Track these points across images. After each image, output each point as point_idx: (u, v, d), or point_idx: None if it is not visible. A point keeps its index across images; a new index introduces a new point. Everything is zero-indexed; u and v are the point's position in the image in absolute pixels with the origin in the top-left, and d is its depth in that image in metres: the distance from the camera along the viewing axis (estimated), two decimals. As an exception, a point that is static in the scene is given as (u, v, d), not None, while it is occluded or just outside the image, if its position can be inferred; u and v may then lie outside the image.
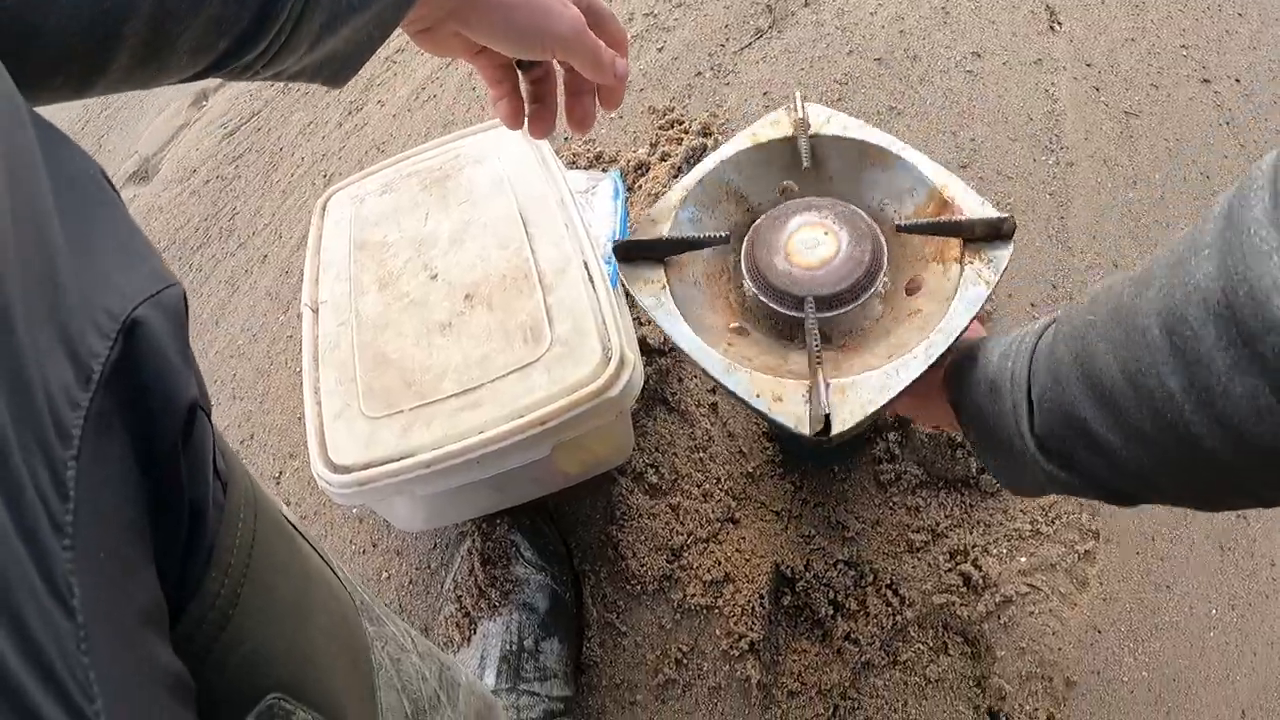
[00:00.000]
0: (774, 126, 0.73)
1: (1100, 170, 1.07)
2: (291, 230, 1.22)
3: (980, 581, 0.86)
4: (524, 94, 0.61)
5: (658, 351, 0.91)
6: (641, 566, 0.86)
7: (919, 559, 0.86)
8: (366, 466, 0.71)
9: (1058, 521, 0.89)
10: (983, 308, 0.60)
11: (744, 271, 0.69)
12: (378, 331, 0.79)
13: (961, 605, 0.85)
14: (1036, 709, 0.85)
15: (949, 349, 0.58)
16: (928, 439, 0.89)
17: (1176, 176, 1.10)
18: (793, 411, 0.58)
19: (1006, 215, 0.62)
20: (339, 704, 0.38)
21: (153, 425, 0.29)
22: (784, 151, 0.73)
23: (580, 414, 0.70)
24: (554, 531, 0.88)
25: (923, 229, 0.65)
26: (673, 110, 1.13)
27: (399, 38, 1.36)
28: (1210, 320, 0.35)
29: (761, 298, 0.67)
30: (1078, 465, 0.48)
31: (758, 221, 0.71)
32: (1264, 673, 0.91)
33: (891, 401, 0.58)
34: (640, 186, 1.05)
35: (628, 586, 0.87)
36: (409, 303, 0.81)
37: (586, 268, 0.77)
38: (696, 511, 0.87)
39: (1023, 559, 0.88)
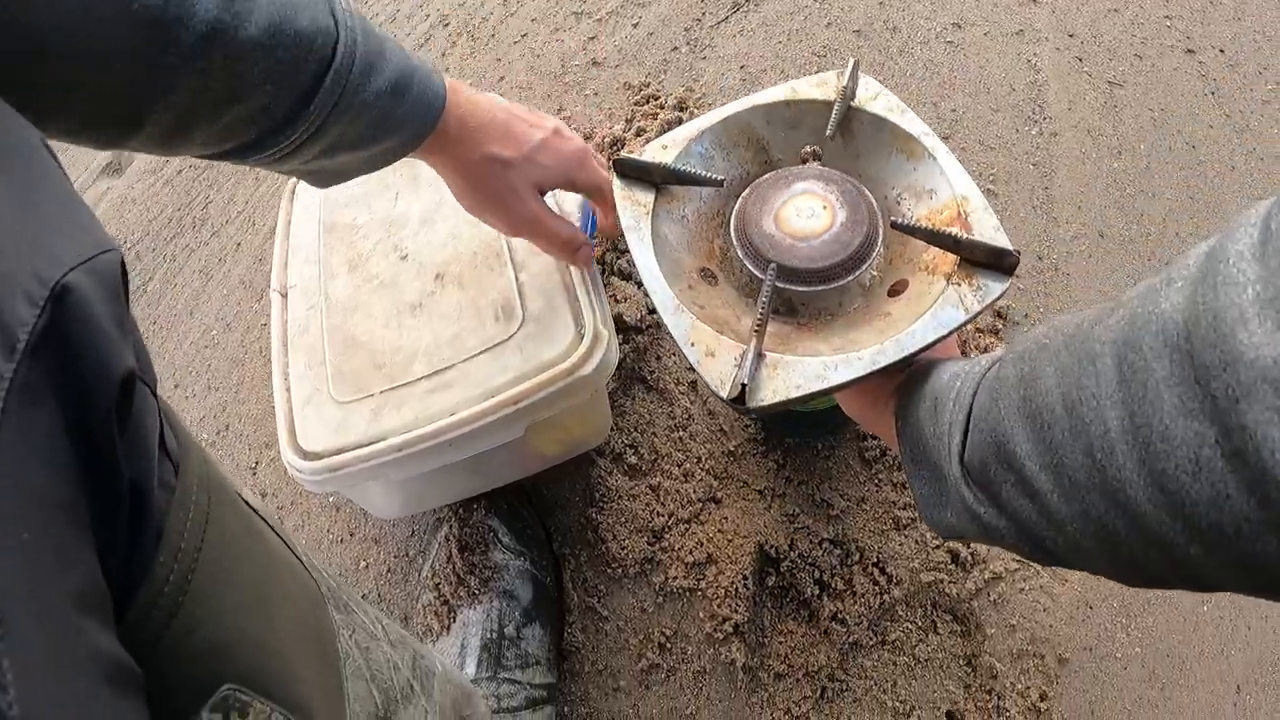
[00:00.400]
0: (819, 87, 0.70)
1: (1084, 140, 1.05)
2: (264, 217, 1.19)
3: (969, 558, 0.84)
4: None
5: (635, 329, 0.89)
6: (622, 549, 0.84)
7: (906, 536, 0.84)
8: (338, 452, 0.70)
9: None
10: (955, 332, 0.57)
11: (730, 219, 0.67)
12: (347, 314, 0.78)
13: (950, 583, 0.83)
14: (1029, 687, 0.83)
15: (900, 362, 0.55)
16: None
17: (1162, 146, 1.08)
18: (719, 371, 0.56)
19: (1013, 250, 0.57)
20: (300, 694, 0.36)
21: (85, 397, 0.28)
22: (820, 115, 0.70)
23: (553, 392, 0.68)
24: (533, 516, 0.86)
25: (918, 233, 0.61)
26: (648, 86, 1.11)
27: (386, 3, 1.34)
28: (1166, 353, 0.32)
29: (738, 250, 0.65)
30: (1004, 504, 0.43)
31: (763, 176, 0.69)
32: (1258, 647, 0.89)
33: (822, 394, 0.56)
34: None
35: (609, 570, 0.85)
36: (379, 284, 0.79)
37: None
38: (677, 492, 0.85)
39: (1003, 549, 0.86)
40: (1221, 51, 1.16)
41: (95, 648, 0.26)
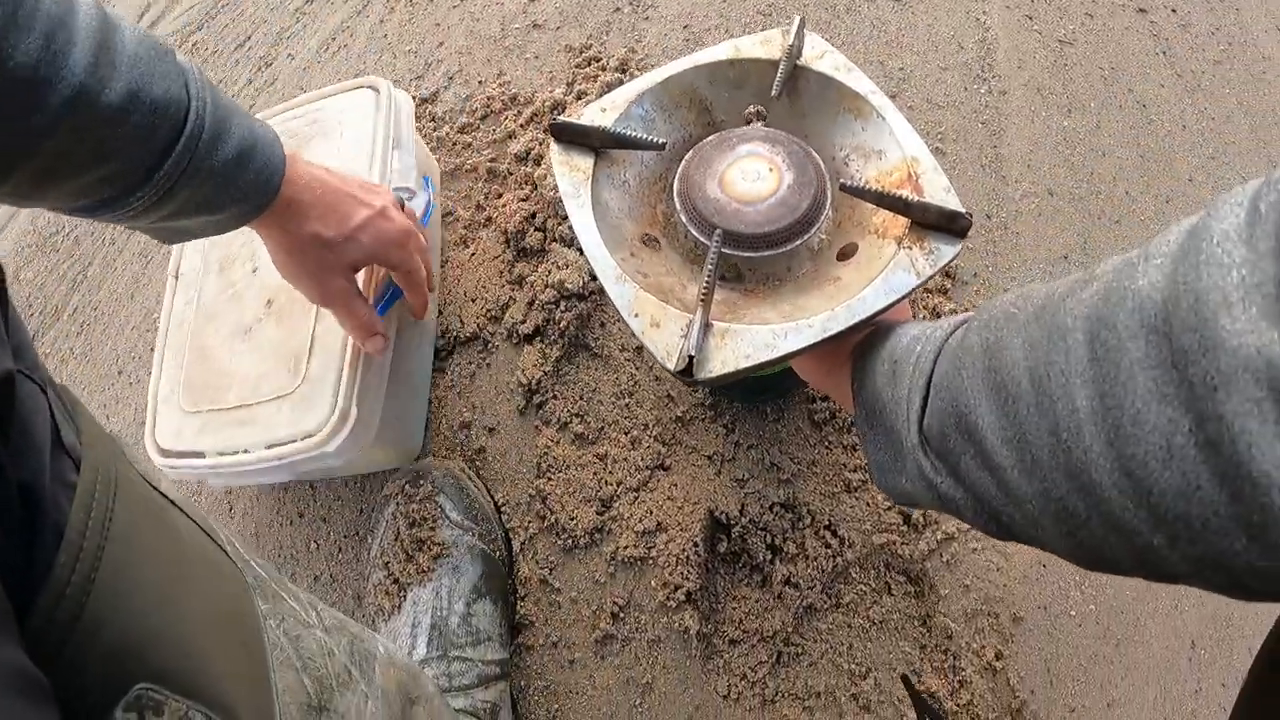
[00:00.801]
0: (763, 45, 0.68)
1: (1034, 99, 1.05)
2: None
3: (920, 520, 0.83)
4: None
5: (578, 295, 0.87)
6: (571, 520, 0.83)
7: (857, 499, 0.83)
8: (177, 455, 0.75)
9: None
10: (908, 297, 0.56)
11: (674, 183, 0.65)
12: (207, 321, 0.80)
13: (902, 544, 0.83)
14: (984, 646, 0.83)
15: (851, 328, 0.54)
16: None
17: (1113, 105, 1.07)
18: (665, 342, 0.54)
19: (965, 213, 0.56)
20: (220, 689, 0.35)
21: None
22: (765, 74, 0.68)
23: (308, 458, 0.71)
24: (480, 489, 0.85)
25: (867, 196, 0.59)
26: (590, 48, 1.09)
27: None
28: (1142, 333, 0.30)
29: (681, 215, 0.64)
30: (962, 475, 0.42)
31: (707, 138, 0.67)
32: (1211, 603, 0.90)
33: (773, 363, 0.54)
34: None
35: (559, 541, 0.84)
36: (232, 295, 0.80)
37: None
38: (625, 460, 0.83)
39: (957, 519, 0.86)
40: (1173, 11, 1.16)
41: (3, 660, 0.26)
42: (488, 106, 0.97)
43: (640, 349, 0.87)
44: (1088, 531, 0.35)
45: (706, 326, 0.54)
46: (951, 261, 0.57)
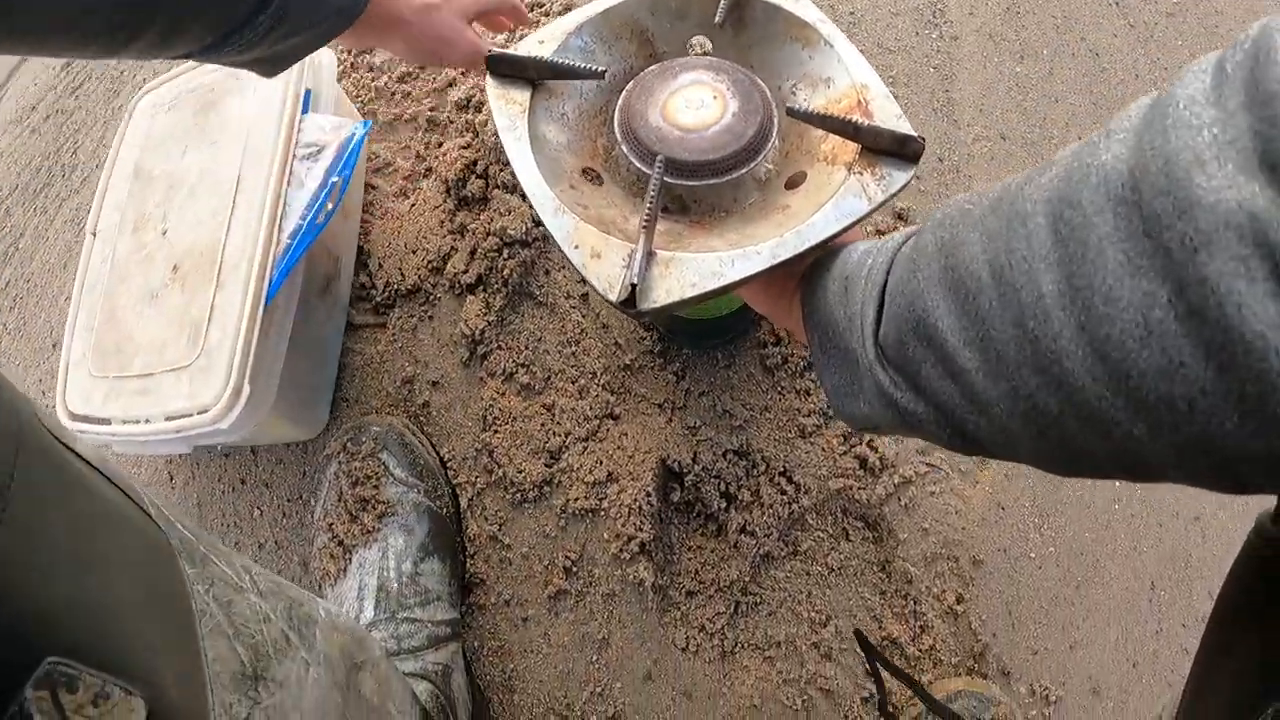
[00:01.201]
0: None
1: (986, 44, 1.03)
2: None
3: (877, 463, 0.82)
4: None
5: (521, 242, 0.84)
6: (519, 473, 0.80)
7: (812, 444, 0.82)
8: (85, 420, 0.74)
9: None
10: (859, 223, 0.54)
11: (614, 114, 0.63)
12: (118, 282, 0.77)
13: (859, 489, 0.81)
14: (945, 590, 0.82)
15: (801, 254, 0.52)
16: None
17: (1065, 52, 1.06)
18: (606, 273, 0.52)
19: (916, 136, 0.54)
20: (141, 661, 0.33)
21: None
22: (707, 3, 0.66)
23: (205, 433, 0.70)
24: (425, 445, 0.82)
25: (815, 120, 0.57)
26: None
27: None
28: (1109, 206, 0.28)
29: (622, 146, 0.61)
30: (923, 386, 0.39)
31: (649, 68, 0.65)
32: (1170, 543, 0.89)
33: (720, 292, 0.52)
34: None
35: (507, 496, 0.81)
36: (144, 256, 0.78)
37: (252, 273, 0.73)
38: (573, 410, 0.81)
39: (920, 439, 0.84)
40: (1124, -40, 1.15)
41: None
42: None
43: (586, 296, 0.85)
44: (1060, 430, 0.32)
45: (650, 255, 0.52)
46: (904, 188, 0.55)
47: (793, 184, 0.61)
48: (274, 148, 0.77)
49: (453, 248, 0.86)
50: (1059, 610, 0.85)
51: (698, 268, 0.52)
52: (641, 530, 0.78)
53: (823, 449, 0.82)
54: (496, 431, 0.82)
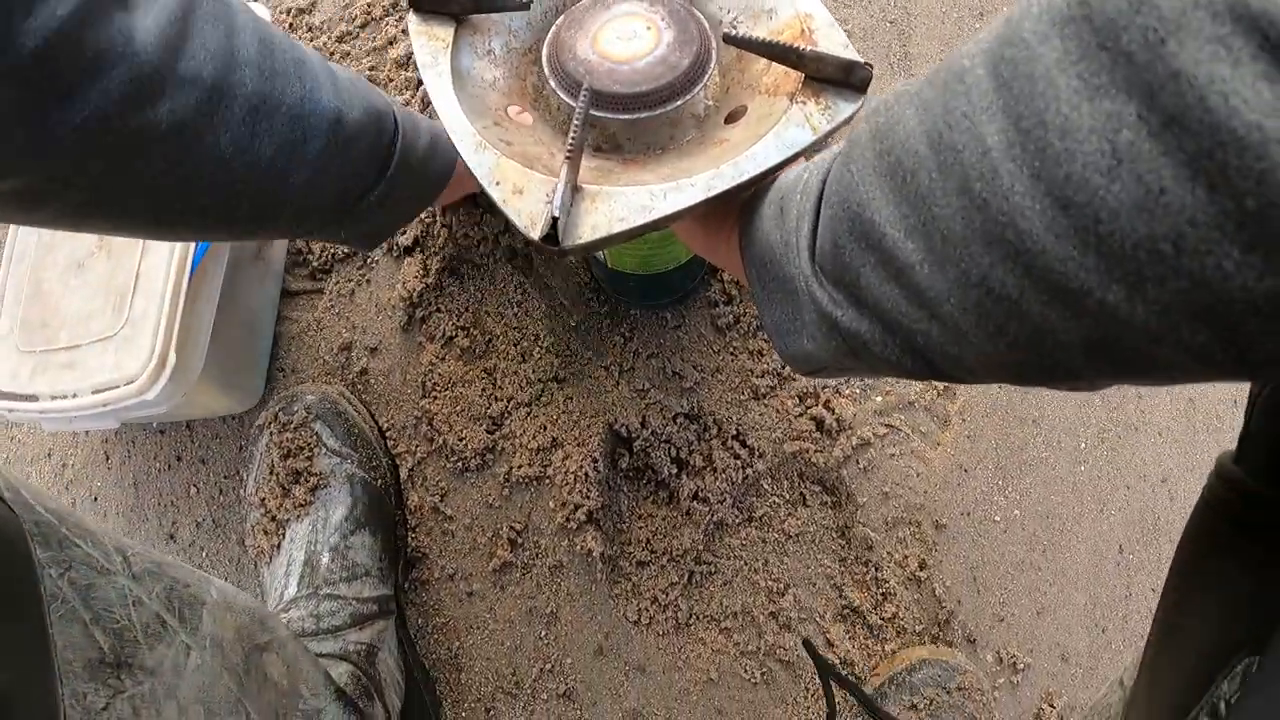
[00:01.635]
0: None
1: (944, 1, 1.00)
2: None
3: (834, 425, 0.79)
4: None
5: (452, 206, 0.81)
6: (460, 441, 0.77)
7: (766, 406, 0.79)
8: (12, 398, 0.72)
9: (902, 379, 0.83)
10: (803, 154, 0.50)
11: (543, 49, 0.60)
12: (46, 252, 0.75)
13: (816, 452, 0.78)
14: (907, 556, 0.80)
15: (738, 186, 0.47)
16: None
17: (1029, 6, 1.04)
18: (528, 209, 0.48)
19: (863, 62, 0.50)
20: None
21: None
22: None
23: (130, 405, 0.68)
24: (363, 413, 0.78)
25: (754, 46, 0.53)
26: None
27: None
28: (1055, 32, 0.24)
29: (551, 81, 0.58)
30: (865, 296, 0.34)
31: (580, 2, 0.61)
32: (1138, 505, 0.87)
33: (650, 227, 0.49)
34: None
35: (449, 465, 0.78)
36: None
37: None
38: (515, 374, 0.78)
39: (878, 398, 0.82)
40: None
41: None
42: (368, 14, 0.91)
43: (529, 258, 0.81)
44: (1021, 320, 0.28)
45: (576, 190, 0.48)
46: (851, 118, 0.51)
47: (733, 118, 0.58)
48: None
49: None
50: (1025, 575, 0.83)
51: (626, 202, 0.48)
52: (589, 498, 0.75)
53: (777, 411, 0.79)
54: (436, 398, 0.78)
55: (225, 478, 0.84)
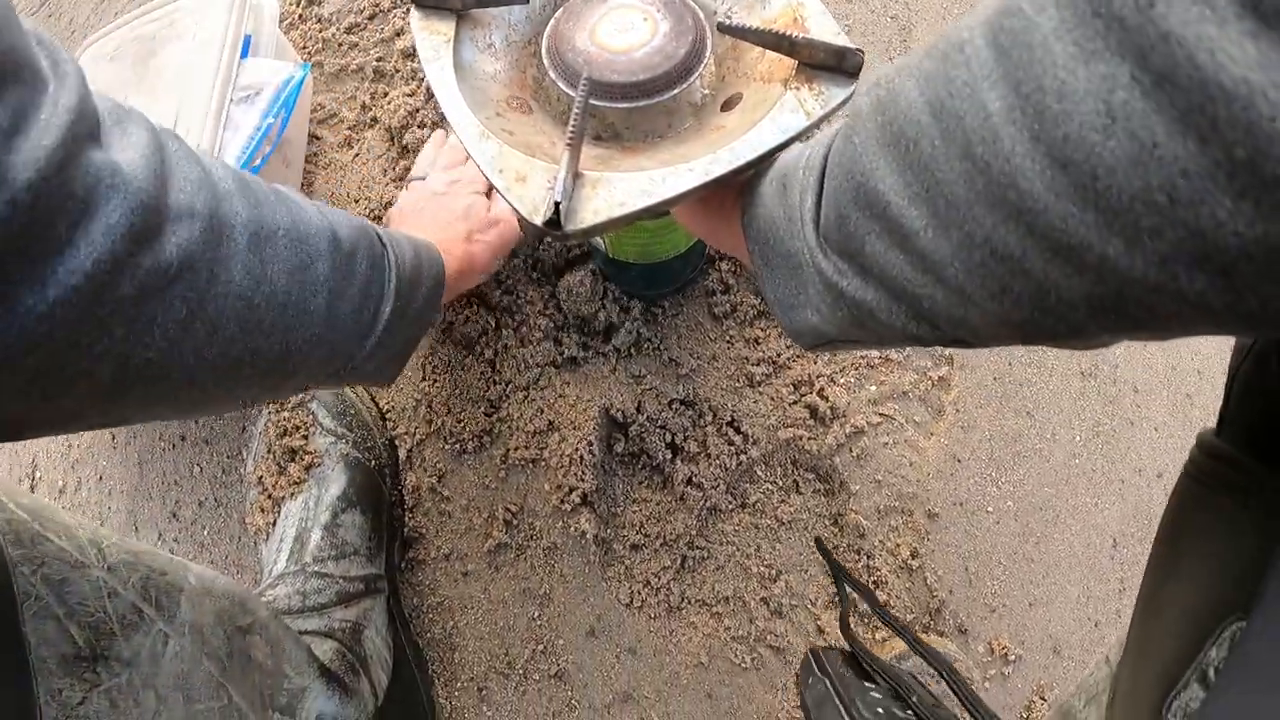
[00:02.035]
0: None
1: (948, -4, 1.01)
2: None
3: (828, 413, 0.80)
4: None
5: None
6: (459, 423, 0.78)
7: (761, 393, 0.79)
8: None
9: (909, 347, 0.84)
10: (798, 139, 0.51)
11: (543, 41, 0.61)
12: None
13: (810, 439, 0.79)
14: (899, 544, 0.80)
15: (736, 170, 0.49)
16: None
17: (1031, 6, 1.04)
18: (531, 196, 0.49)
19: (855, 49, 0.51)
20: None
21: None
22: None
23: None
24: (360, 395, 0.79)
25: (747, 34, 0.55)
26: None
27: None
28: (1051, 3, 0.25)
29: (551, 73, 0.60)
30: (870, 264, 0.35)
31: None
32: (1133, 500, 0.87)
33: (651, 210, 0.50)
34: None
35: (446, 446, 0.79)
36: None
37: None
38: (514, 358, 0.79)
39: (872, 387, 0.82)
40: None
41: None
42: (376, 5, 0.92)
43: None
44: (1024, 279, 0.29)
45: (577, 176, 0.50)
46: (844, 104, 0.53)
47: (729, 105, 0.59)
48: (210, 92, 0.75)
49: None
50: (1018, 566, 0.83)
51: (627, 187, 0.50)
52: (583, 481, 0.76)
53: (771, 398, 0.79)
54: (436, 381, 0.79)
55: (229, 458, 0.86)
